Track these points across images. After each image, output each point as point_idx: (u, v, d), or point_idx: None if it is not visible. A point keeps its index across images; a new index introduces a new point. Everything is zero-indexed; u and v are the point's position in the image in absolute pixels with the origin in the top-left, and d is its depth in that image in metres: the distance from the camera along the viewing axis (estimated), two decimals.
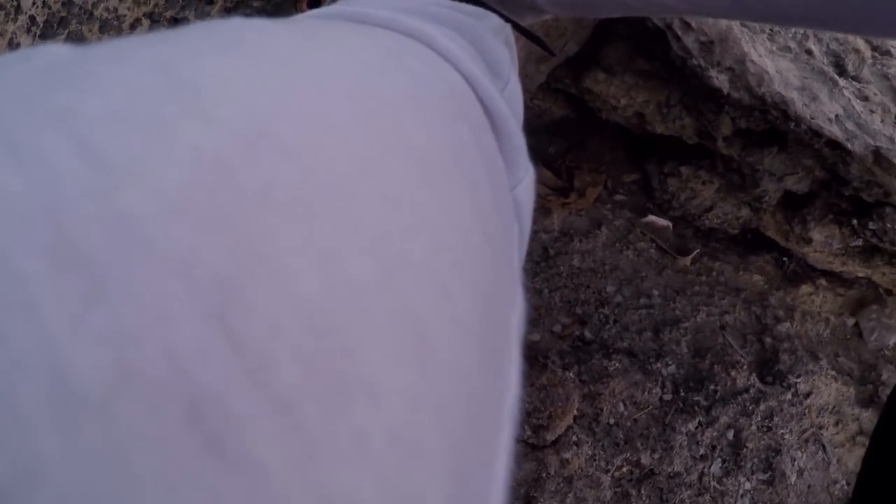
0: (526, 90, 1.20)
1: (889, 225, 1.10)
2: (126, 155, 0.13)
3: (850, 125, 1.06)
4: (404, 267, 0.16)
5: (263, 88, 0.16)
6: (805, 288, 1.25)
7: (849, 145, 1.04)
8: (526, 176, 0.33)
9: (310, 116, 0.17)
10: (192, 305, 0.12)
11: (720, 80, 1.02)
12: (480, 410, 0.18)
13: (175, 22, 0.78)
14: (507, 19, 0.41)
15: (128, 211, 0.12)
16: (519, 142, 0.31)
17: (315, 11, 0.30)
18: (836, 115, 1.06)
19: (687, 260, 1.15)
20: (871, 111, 1.11)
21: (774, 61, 1.06)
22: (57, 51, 0.17)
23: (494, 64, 0.34)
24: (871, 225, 1.11)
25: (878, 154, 1.04)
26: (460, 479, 0.16)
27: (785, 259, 1.27)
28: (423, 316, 0.16)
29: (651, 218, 1.17)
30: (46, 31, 0.69)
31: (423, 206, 0.18)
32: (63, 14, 0.73)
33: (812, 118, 1.03)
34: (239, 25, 0.19)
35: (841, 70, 1.16)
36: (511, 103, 0.33)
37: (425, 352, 0.15)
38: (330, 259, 0.14)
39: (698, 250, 1.17)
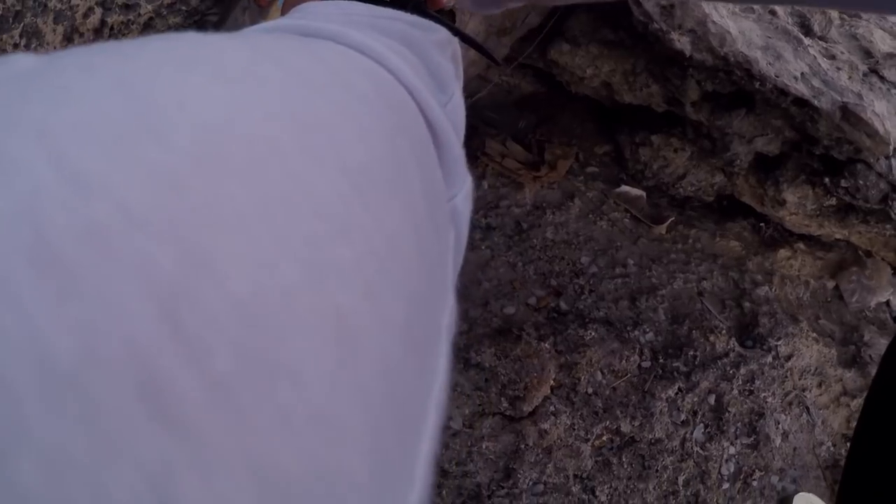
0: (493, 67, 1.19)
1: (861, 182, 1.10)
2: (95, 171, 0.15)
3: (816, 82, 1.05)
4: (332, 270, 0.18)
5: (214, 110, 0.18)
6: (783, 252, 1.24)
7: (816, 102, 1.03)
8: (464, 186, 0.34)
9: (255, 137, 0.19)
10: (148, 302, 0.14)
11: (682, 42, 1.02)
12: (405, 398, 0.20)
13: (127, 9, 0.77)
14: (456, 32, 0.43)
15: (97, 222, 0.14)
16: (458, 154, 0.33)
17: (265, 25, 0.32)
18: (802, 73, 1.05)
19: (662, 228, 1.14)
20: (838, 69, 1.10)
21: (737, 22, 1.06)
22: (24, 60, 0.19)
23: (439, 78, 0.36)
24: (844, 183, 1.11)
25: (845, 110, 1.03)
26: (383, 457, 0.18)
27: (762, 224, 1.27)
28: (347, 313, 0.18)
29: (624, 188, 1.16)
30: (3, 26, 0.68)
31: (354, 217, 0.20)
32: (18, 8, 0.72)
33: (777, 76, 1.02)
34: (195, 42, 0.22)
35: (807, 30, 1.16)
36: (453, 116, 0.35)
37: (349, 346, 0.17)
38: (262, 265, 0.16)
39: (673, 218, 1.17)
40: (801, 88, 1.04)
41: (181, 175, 0.16)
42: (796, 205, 1.16)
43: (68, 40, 0.58)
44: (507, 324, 0.99)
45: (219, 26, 0.62)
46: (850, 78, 1.09)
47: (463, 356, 0.95)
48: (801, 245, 1.27)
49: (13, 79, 0.17)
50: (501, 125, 1.17)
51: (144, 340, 0.14)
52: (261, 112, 0.20)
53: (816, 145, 1.09)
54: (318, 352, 0.17)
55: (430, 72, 0.35)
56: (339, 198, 0.20)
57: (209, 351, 0.14)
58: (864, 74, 1.12)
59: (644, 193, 1.15)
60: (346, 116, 0.23)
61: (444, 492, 0.87)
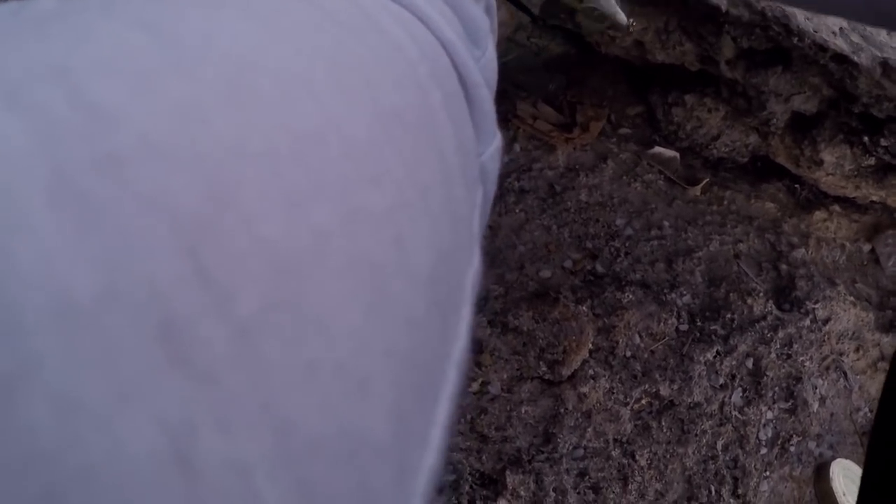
0: (522, 27, 1.17)
1: None
2: (114, 104, 0.14)
3: (855, 38, 1.03)
4: (364, 217, 0.17)
5: (243, 46, 0.17)
6: (819, 214, 1.22)
7: (855, 58, 1.00)
8: (493, 143, 0.33)
9: (285, 73, 0.18)
10: (170, 239, 0.13)
11: None
12: (426, 358, 0.20)
13: None
14: None
15: (116, 153, 0.13)
16: (489, 110, 0.32)
17: None
18: (840, 28, 1.02)
19: (697, 190, 1.12)
20: None
21: None
22: (45, 2, 0.18)
23: (473, 31, 0.35)
24: (884, 142, 1.08)
25: (886, 66, 1.01)
26: (403, 419, 0.18)
27: (797, 186, 1.24)
28: (378, 264, 0.17)
29: (658, 149, 1.14)
30: None
31: (387, 162, 0.19)
32: None
33: (815, 31, 1.00)
34: None
35: None
36: (486, 72, 0.34)
37: (378, 298, 0.17)
38: (294, 205, 0.15)
39: (707, 180, 1.14)
40: (840, 44, 1.01)
41: (207, 106, 0.15)
42: (834, 165, 1.13)
43: None
44: (544, 287, 0.97)
45: None
46: (889, 33, 1.06)
47: (500, 320, 0.93)
48: (836, 207, 1.25)
49: (32, 19, 0.16)
50: (531, 87, 1.15)
51: (166, 279, 0.13)
52: (292, 48, 0.19)
53: (855, 103, 1.06)
54: (348, 301, 0.16)
55: (463, 24, 0.33)
56: (372, 142, 0.19)
57: (234, 294, 0.14)
58: None
59: (678, 154, 1.13)
60: (380, 60, 0.22)
61: (483, 457, 0.86)
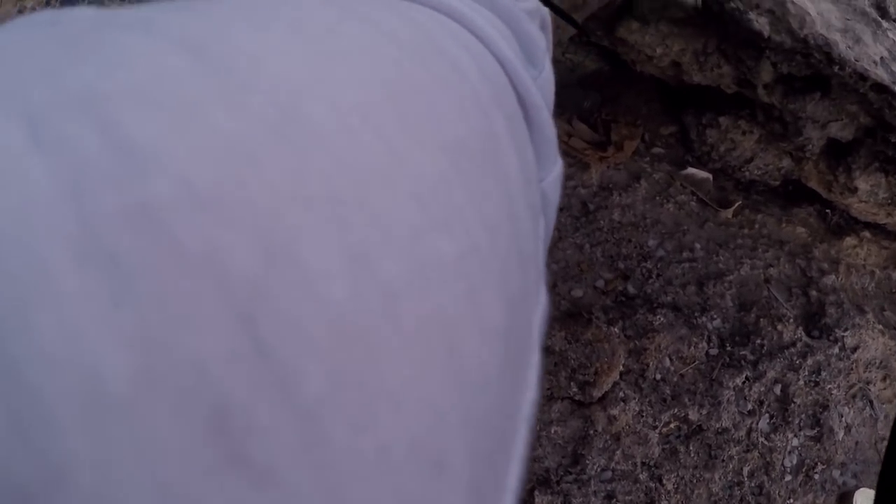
0: (558, 43, 1.17)
1: None
2: (152, 141, 0.12)
3: (895, 67, 1.02)
4: (435, 268, 0.15)
5: (296, 71, 0.15)
6: (849, 240, 1.21)
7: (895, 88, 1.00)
8: (555, 168, 0.30)
9: (343, 103, 0.15)
10: (220, 307, 0.11)
11: (760, 22, 0.99)
12: (500, 420, 0.18)
13: None
14: (545, 1, 0.39)
15: (152, 202, 0.11)
16: (550, 133, 0.30)
17: None
18: (882, 58, 1.02)
19: (729, 212, 1.12)
20: None
21: (815, 3, 1.02)
22: (82, 15, 0.16)
23: (530, 50, 0.32)
24: None
25: None
26: (480, 490, 0.16)
27: (828, 211, 1.24)
28: (452, 322, 0.15)
29: (690, 170, 1.14)
30: None
31: (456, 202, 0.17)
32: None
33: (857, 60, 0.99)
34: None
35: (883, 12, 1.12)
36: (543, 93, 0.31)
37: (452, 361, 0.15)
38: (359, 260, 0.13)
39: (739, 202, 1.14)
40: (880, 73, 1.01)
41: (257, 143, 0.13)
42: (868, 193, 1.13)
43: None
44: (576, 307, 0.97)
45: None
46: None
47: None
48: (866, 233, 1.24)
49: (64, 37, 0.14)
50: (566, 104, 1.14)
51: (217, 358, 0.11)
52: (348, 72, 0.16)
53: (893, 132, 1.06)
54: (421, 369, 0.14)
55: (520, 42, 0.31)
56: (440, 179, 0.16)
57: (298, 372, 0.12)
58: None
59: (710, 176, 1.13)
60: (442, 84, 0.20)
61: None
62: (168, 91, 0.13)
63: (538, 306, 0.23)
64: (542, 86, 0.32)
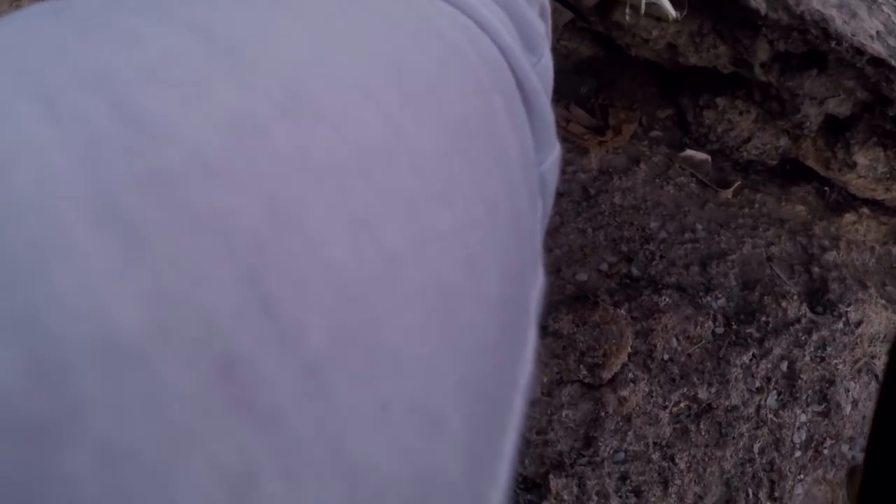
0: (553, 29, 1.17)
1: None
2: (162, 115, 0.13)
3: (892, 41, 1.03)
4: (434, 238, 0.16)
5: (299, 51, 0.16)
6: (848, 217, 1.22)
7: (892, 62, 1.00)
8: (553, 152, 0.31)
9: (345, 80, 0.16)
10: (228, 266, 0.12)
11: (757, 1, 0.99)
12: (496, 388, 0.18)
13: None
14: None
15: (164, 169, 0.12)
16: (548, 118, 0.30)
17: None
18: (878, 32, 1.03)
19: (728, 192, 1.12)
20: None
21: None
22: (91, 1, 0.16)
23: (529, 36, 0.33)
24: None
25: None
26: (476, 455, 0.16)
27: (826, 189, 1.24)
28: (451, 289, 0.16)
29: (689, 152, 1.14)
30: None
31: (455, 177, 0.18)
32: None
33: (853, 35, 1.00)
34: None
35: None
36: (542, 79, 0.32)
37: (451, 325, 0.16)
38: (362, 226, 0.14)
39: (739, 182, 1.14)
40: (877, 47, 1.01)
41: (263, 117, 0.14)
42: (867, 168, 1.13)
43: None
44: (582, 290, 0.97)
45: None
46: None
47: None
48: (865, 209, 1.25)
49: (75, 20, 0.15)
50: (563, 91, 1.15)
51: (225, 312, 0.12)
52: (350, 52, 0.17)
53: (890, 106, 1.06)
54: (420, 331, 0.15)
55: (518, 28, 0.32)
56: (440, 154, 0.17)
57: (301, 327, 0.12)
58: None
59: (709, 157, 1.13)
60: (441, 65, 0.20)
61: (526, 461, 0.86)
62: (177, 70, 0.14)
63: (536, 284, 0.24)
64: (540, 72, 0.33)
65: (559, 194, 1.06)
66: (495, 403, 0.18)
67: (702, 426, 0.93)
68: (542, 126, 0.30)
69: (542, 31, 0.34)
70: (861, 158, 1.13)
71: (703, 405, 0.94)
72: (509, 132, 0.23)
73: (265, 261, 0.12)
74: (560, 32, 1.17)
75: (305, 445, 0.12)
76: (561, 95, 1.14)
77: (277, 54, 0.16)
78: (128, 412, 0.10)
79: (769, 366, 0.99)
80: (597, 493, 0.86)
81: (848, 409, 1.06)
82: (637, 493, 0.87)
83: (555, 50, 1.24)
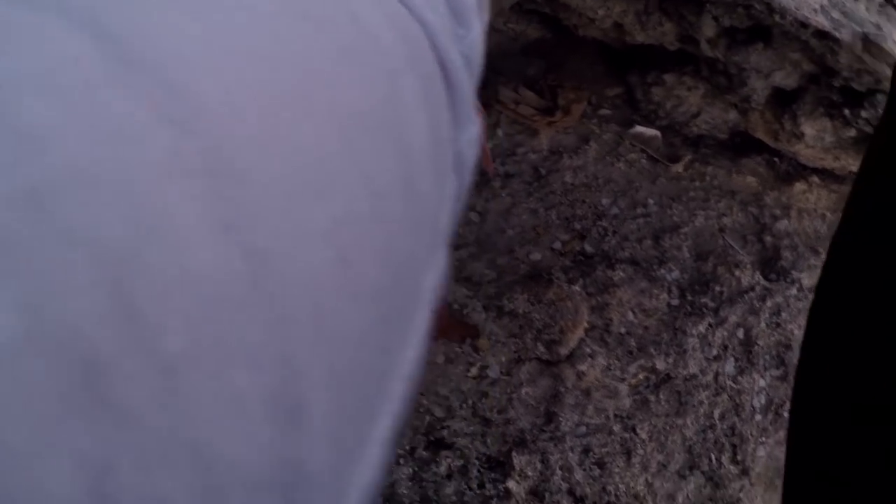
0: (499, 12, 1.17)
1: (882, 112, 1.09)
2: (47, 125, 0.13)
3: (835, 14, 1.04)
4: (304, 235, 0.16)
5: (189, 49, 0.16)
6: (799, 186, 1.24)
7: (836, 34, 1.02)
8: (471, 128, 0.31)
9: (231, 79, 0.16)
10: (93, 276, 0.13)
11: None
12: (367, 377, 0.19)
13: None
14: None
15: (39, 184, 0.12)
16: (469, 94, 0.30)
17: None
18: (821, 6, 1.04)
19: (679, 167, 1.14)
20: (856, 0, 1.09)
21: None
22: None
23: (458, 8, 0.32)
24: (864, 113, 1.10)
25: (867, 40, 1.03)
26: (340, 443, 0.17)
27: (776, 160, 1.26)
28: (318, 286, 0.16)
29: (639, 129, 1.15)
30: None
31: (337, 172, 0.18)
32: None
33: (797, 9, 1.01)
34: None
35: None
36: (471, 52, 0.32)
37: (315, 321, 0.16)
38: (228, 229, 0.15)
39: (689, 157, 1.16)
40: (821, 20, 1.03)
41: (142, 123, 0.14)
42: (815, 138, 1.15)
43: None
44: (536, 269, 0.98)
45: None
46: (867, 9, 1.08)
47: (495, 304, 0.94)
48: (815, 178, 1.27)
49: None
50: (511, 73, 1.15)
51: (89, 319, 0.12)
52: (241, 48, 0.17)
53: (836, 77, 1.08)
54: (282, 328, 0.15)
55: (447, 1, 0.31)
56: (322, 150, 0.18)
57: (160, 330, 0.13)
58: (881, 5, 1.11)
59: (659, 133, 1.15)
60: (346, 53, 0.21)
61: (488, 440, 0.87)
62: (64, 74, 0.14)
63: (432, 268, 0.25)
64: (469, 45, 0.33)
65: (509, 176, 1.07)
66: (367, 392, 0.19)
67: (661, 396, 0.94)
68: (461, 101, 0.30)
69: (472, 2, 0.34)
70: (808, 129, 1.15)
71: (662, 375, 0.95)
72: (418, 115, 0.23)
73: (130, 270, 0.13)
74: (507, 15, 1.18)
75: (159, 438, 0.13)
76: (509, 78, 1.15)
77: (163, 48, 0.16)
78: (3, 412, 0.11)
79: (725, 334, 1.01)
80: (560, 468, 0.87)
81: None
82: (601, 464, 0.89)
83: (502, 32, 1.24)
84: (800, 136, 1.15)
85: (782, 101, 1.17)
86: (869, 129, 1.12)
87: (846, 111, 1.12)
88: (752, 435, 0.99)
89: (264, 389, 0.15)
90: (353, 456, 0.19)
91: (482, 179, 1.06)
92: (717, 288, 1.03)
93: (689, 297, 1.02)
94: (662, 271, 1.02)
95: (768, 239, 1.13)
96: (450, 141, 0.28)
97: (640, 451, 0.91)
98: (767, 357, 1.04)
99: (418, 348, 0.23)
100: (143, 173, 0.14)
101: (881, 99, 1.09)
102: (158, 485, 0.13)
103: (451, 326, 0.92)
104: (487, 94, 1.12)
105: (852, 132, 1.15)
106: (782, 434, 1.03)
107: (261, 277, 0.15)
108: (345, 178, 0.18)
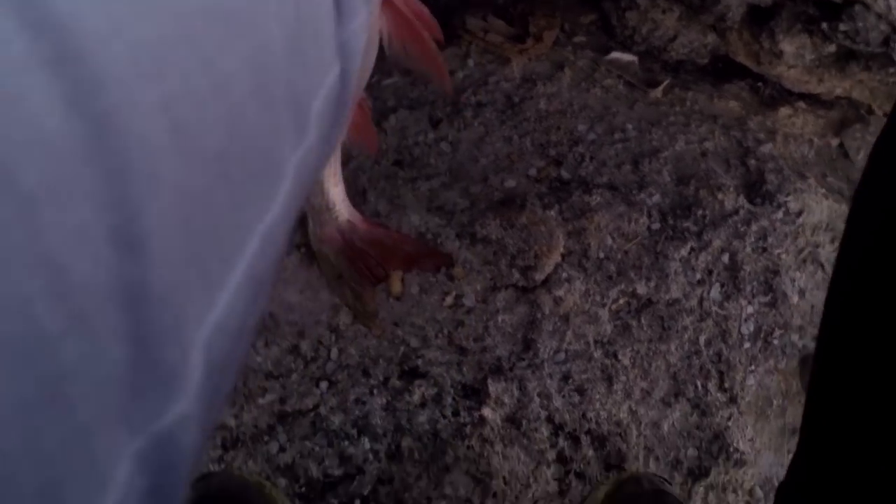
0: None
1: (861, 24, 1.05)
2: None
3: None
4: (140, 107, 0.18)
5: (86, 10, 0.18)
6: (784, 111, 1.20)
7: None
8: (357, 18, 0.33)
9: None
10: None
11: None
12: (217, 226, 0.22)
13: None
14: None
15: None
16: None
17: None
18: None
19: (658, 91, 1.10)
20: None
21: None
22: None
23: None
24: (842, 27, 1.06)
25: None
26: (184, 276, 0.20)
27: (759, 84, 1.22)
28: (155, 148, 0.18)
29: (615, 55, 1.12)
30: None
31: (175, 57, 0.20)
32: None
33: None
34: None
35: None
36: None
37: (152, 173, 0.18)
38: (75, 103, 0.16)
39: (668, 81, 1.12)
40: None
41: (8, 31, 0.16)
42: (794, 55, 1.11)
43: None
44: (510, 196, 0.95)
45: None
46: None
47: (468, 232, 0.91)
48: (801, 104, 1.23)
49: None
50: (480, 1, 1.12)
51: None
52: None
53: None
54: (119, 177, 0.17)
55: None
56: (161, 41, 0.20)
57: (18, 170, 0.15)
58: None
59: (636, 59, 1.11)
60: None
61: (464, 368, 0.84)
62: None
63: (299, 147, 0.27)
64: None
65: (481, 105, 1.03)
66: (217, 238, 0.22)
67: (643, 321, 0.91)
68: None
69: None
70: (787, 46, 1.11)
71: (644, 300, 0.92)
72: (281, 8, 0.25)
73: None
74: None
75: (20, 249, 0.15)
76: (478, 6, 1.11)
77: (62, 13, 0.17)
78: None
79: (709, 258, 0.98)
80: (539, 395, 0.84)
81: (795, 298, 1.05)
82: (580, 391, 0.86)
83: None
84: (779, 55, 1.11)
85: (759, 20, 1.13)
86: (849, 44, 1.08)
87: (824, 25, 1.08)
88: (740, 363, 0.96)
89: (108, 223, 0.17)
90: (202, 291, 0.21)
91: (453, 109, 1.03)
92: (700, 212, 1.00)
93: (671, 221, 0.98)
94: (642, 195, 0.98)
95: (752, 163, 1.09)
96: (329, 29, 0.30)
97: (623, 378, 0.88)
98: (755, 283, 1.01)
99: (281, 213, 0.25)
100: (6, 66, 0.15)
101: (859, 10, 1.05)
102: (20, 284, 0.14)
103: (424, 256, 0.88)
104: (455, 24, 1.08)
105: (832, 48, 1.11)
106: (772, 363, 1.00)
107: (101, 138, 0.17)
108: (182, 62, 0.20)
